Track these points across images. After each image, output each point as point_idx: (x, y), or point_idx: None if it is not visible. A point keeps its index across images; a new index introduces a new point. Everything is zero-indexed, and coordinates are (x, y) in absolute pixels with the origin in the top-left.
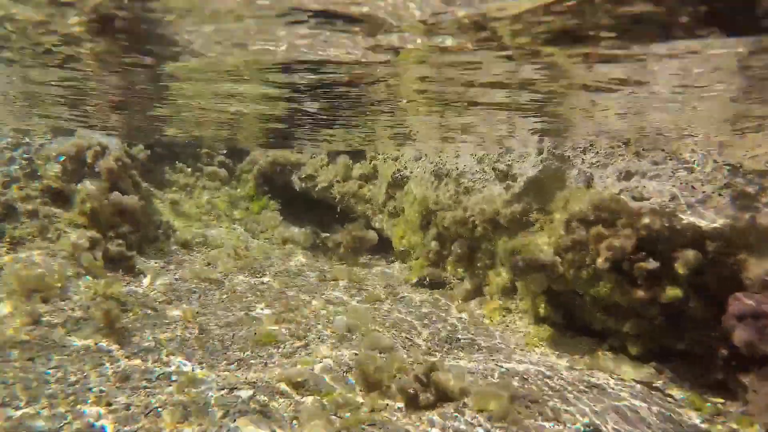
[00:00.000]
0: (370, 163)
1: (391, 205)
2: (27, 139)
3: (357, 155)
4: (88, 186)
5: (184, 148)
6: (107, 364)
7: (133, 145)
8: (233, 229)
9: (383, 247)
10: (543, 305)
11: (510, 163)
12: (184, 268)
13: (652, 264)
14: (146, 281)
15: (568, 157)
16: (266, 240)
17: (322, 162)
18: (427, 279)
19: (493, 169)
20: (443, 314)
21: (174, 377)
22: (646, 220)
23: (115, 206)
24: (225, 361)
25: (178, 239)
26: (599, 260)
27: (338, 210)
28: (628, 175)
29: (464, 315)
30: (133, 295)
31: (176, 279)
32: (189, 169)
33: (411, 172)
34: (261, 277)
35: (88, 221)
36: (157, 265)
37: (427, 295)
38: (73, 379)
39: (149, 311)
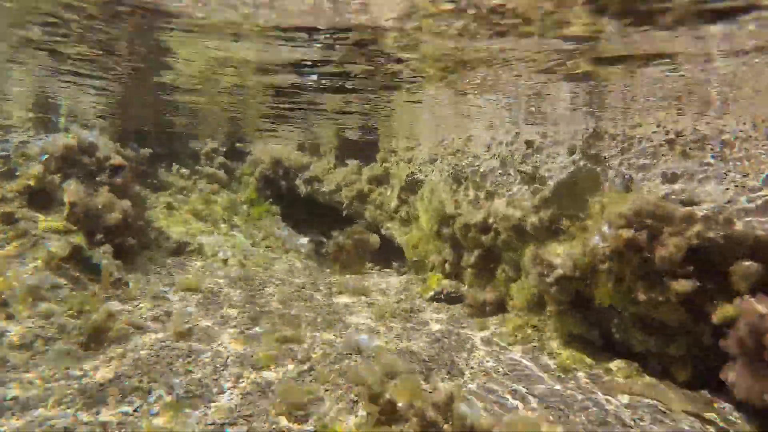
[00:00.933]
0: (381, 166)
1: (403, 211)
2: (6, 136)
3: (368, 158)
4: (73, 187)
5: (182, 146)
6: (75, 384)
7: (125, 146)
8: (232, 235)
9: (395, 256)
10: (575, 322)
11: (537, 164)
12: (175, 279)
13: (687, 285)
14: (132, 293)
15: (604, 157)
16: (267, 248)
17: (329, 164)
18: (444, 292)
19: (518, 171)
20: (463, 332)
21: (155, 409)
22: (697, 228)
23: (105, 210)
24: (217, 390)
25: (171, 246)
26: (643, 272)
27: (344, 215)
28: (673, 177)
29: (486, 333)
30: (116, 309)
31: (165, 291)
32: (186, 171)
33: (426, 176)
34: (261, 289)
35: (72, 226)
36: (146, 275)
37: (444, 311)
38: None
39: (132, 329)
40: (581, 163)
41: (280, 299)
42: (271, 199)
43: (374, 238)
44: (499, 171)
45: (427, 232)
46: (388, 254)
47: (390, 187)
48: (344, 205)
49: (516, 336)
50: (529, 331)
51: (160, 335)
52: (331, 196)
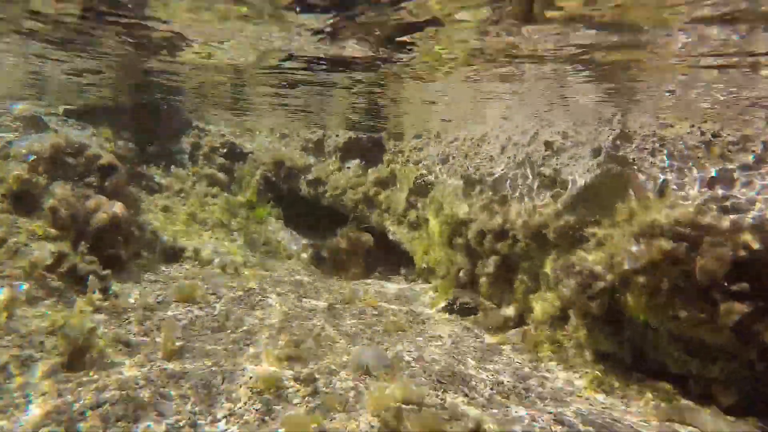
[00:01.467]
0: (387, 167)
1: (412, 215)
2: None
3: (373, 159)
4: (59, 190)
5: (180, 145)
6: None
7: (119, 141)
8: (231, 240)
9: (402, 262)
10: (604, 338)
11: (558, 167)
12: (170, 289)
13: (740, 308)
14: (121, 305)
15: (633, 159)
16: (267, 253)
17: (333, 165)
18: (458, 303)
19: (538, 174)
20: (479, 347)
21: None
22: (743, 238)
23: (95, 214)
24: (211, 418)
25: (166, 253)
26: (682, 286)
27: (350, 220)
28: (712, 182)
29: (504, 348)
30: (101, 324)
31: (158, 302)
32: (184, 172)
33: (437, 177)
34: (260, 300)
35: (57, 232)
36: (138, 284)
37: (457, 323)
38: None
39: (121, 347)
40: (607, 165)
41: (281, 311)
42: (272, 202)
43: (366, 236)
44: (516, 174)
45: (438, 237)
46: (396, 260)
47: (397, 190)
48: (349, 209)
49: (537, 352)
50: (552, 346)
51: (149, 354)
52: (335, 198)
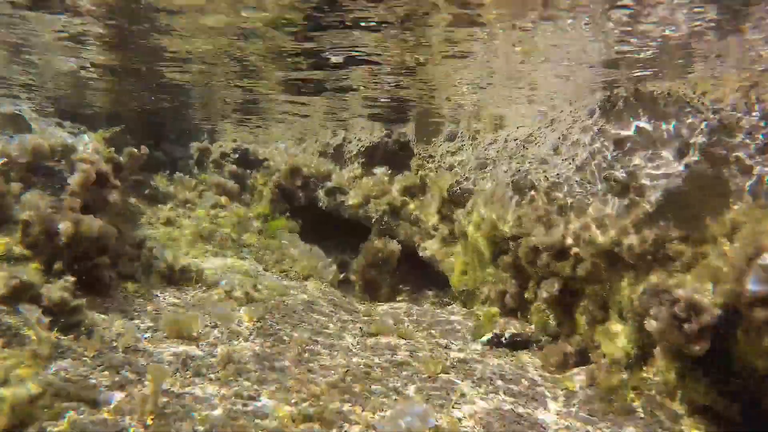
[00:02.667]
0: (416, 174)
1: (445, 228)
2: None
3: (399, 164)
4: (31, 199)
5: (184, 150)
6: None
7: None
8: (240, 258)
9: (432, 282)
10: (705, 388)
11: (632, 169)
12: (161, 320)
13: None
14: (94, 345)
15: (736, 158)
16: (282, 273)
17: (355, 172)
18: (506, 335)
19: (606, 178)
20: (539, 391)
21: None
22: None
23: (75, 230)
24: None
25: (164, 274)
26: None
27: (372, 233)
28: None
29: (570, 395)
30: (62, 373)
31: (143, 338)
32: (191, 180)
33: (475, 185)
34: (272, 333)
35: (26, 251)
36: (124, 314)
37: (507, 359)
38: None
39: (84, 408)
40: (699, 166)
41: (296, 351)
42: (288, 214)
43: (393, 246)
44: (577, 179)
45: (479, 254)
46: (423, 279)
47: (428, 200)
48: (373, 221)
49: (612, 402)
50: (631, 394)
51: (120, 419)
52: (357, 210)
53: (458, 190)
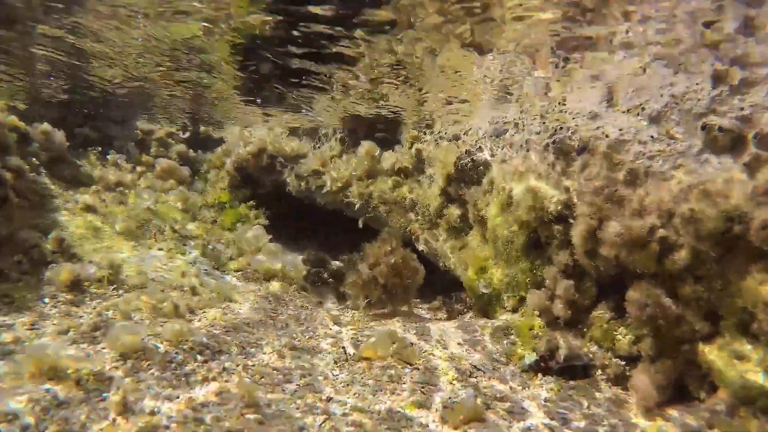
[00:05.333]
0: (410, 148)
1: (452, 214)
2: None
3: (388, 139)
4: None
5: (125, 129)
6: None
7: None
8: (184, 253)
9: (439, 284)
10: None
11: (747, 112)
12: (27, 352)
13: None
14: None
15: None
16: (237, 272)
17: (333, 151)
18: (557, 357)
19: (704, 128)
20: None
21: None
22: None
23: None
24: None
25: (60, 274)
26: None
27: (360, 225)
28: None
29: None
30: None
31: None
32: (126, 161)
33: (493, 155)
34: (205, 361)
35: None
36: None
37: (563, 394)
38: None
39: None
40: None
41: (246, 389)
42: (250, 201)
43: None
44: (653, 133)
45: (506, 244)
46: (427, 282)
47: (427, 179)
48: (357, 208)
49: None
50: None
51: None
52: (335, 195)
53: (469, 163)
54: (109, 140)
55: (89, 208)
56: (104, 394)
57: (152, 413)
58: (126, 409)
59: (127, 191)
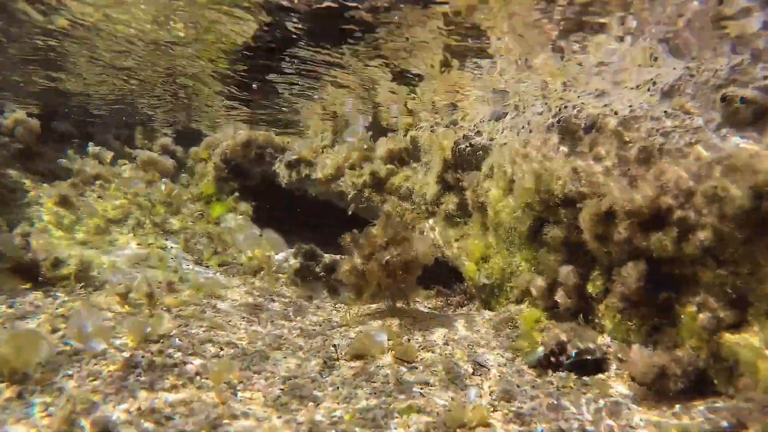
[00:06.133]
0: (405, 135)
1: (449, 202)
2: None
3: (382, 126)
4: None
5: (102, 127)
6: None
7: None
8: (163, 248)
9: (437, 276)
10: None
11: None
12: None
13: None
14: None
15: None
16: (222, 267)
17: (324, 141)
18: (566, 350)
19: (723, 100)
20: None
21: None
22: None
23: None
24: None
25: (21, 267)
26: None
27: (350, 214)
28: None
29: None
30: None
31: None
32: (107, 154)
33: (493, 138)
34: (179, 364)
35: None
36: None
37: (574, 388)
38: None
39: None
40: None
41: (213, 399)
42: (237, 194)
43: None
44: (666, 108)
45: (509, 230)
46: (424, 274)
47: (424, 166)
48: (349, 198)
49: None
50: None
51: None
52: (327, 185)
53: (468, 148)
54: (89, 135)
55: (62, 201)
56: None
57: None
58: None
59: (106, 184)
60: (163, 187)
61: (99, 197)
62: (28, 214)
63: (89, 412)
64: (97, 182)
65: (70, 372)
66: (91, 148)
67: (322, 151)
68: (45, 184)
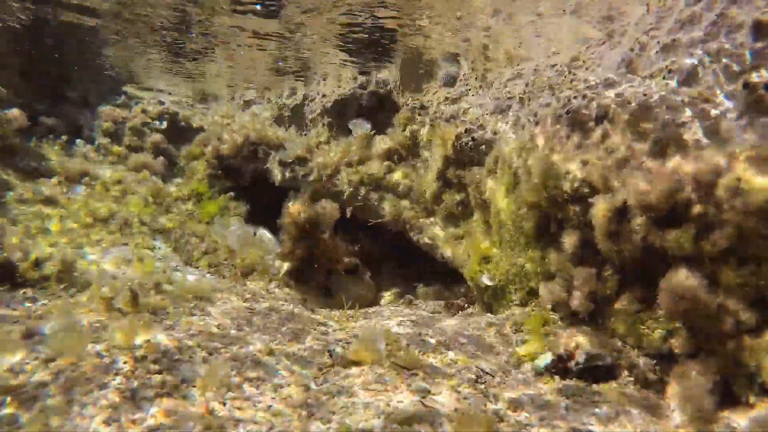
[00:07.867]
0: (404, 131)
1: (450, 200)
2: None
3: (380, 123)
4: None
5: (95, 118)
6: None
7: None
8: (150, 248)
9: (438, 278)
10: None
11: None
12: None
13: None
14: None
15: None
16: (212, 268)
17: (320, 136)
18: (576, 357)
19: (746, 86)
20: None
21: None
22: None
23: None
24: None
25: (6, 271)
26: None
27: (347, 214)
28: None
29: None
30: None
31: None
32: (96, 152)
33: (496, 132)
34: (171, 366)
35: None
36: None
37: (586, 398)
38: None
39: None
40: None
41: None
42: (231, 193)
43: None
44: (683, 97)
45: (512, 230)
46: (424, 276)
47: (423, 162)
48: (346, 196)
49: None
50: None
51: None
52: (324, 183)
53: (470, 142)
54: (78, 129)
55: (47, 201)
56: None
57: None
58: None
59: (93, 182)
60: (152, 186)
61: (85, 195)
62: (10, 212)
63: None
64: (83, 180)
65: (40, 377)
66: (78, 145)
67: (318, 147)
68: (27, 182)
